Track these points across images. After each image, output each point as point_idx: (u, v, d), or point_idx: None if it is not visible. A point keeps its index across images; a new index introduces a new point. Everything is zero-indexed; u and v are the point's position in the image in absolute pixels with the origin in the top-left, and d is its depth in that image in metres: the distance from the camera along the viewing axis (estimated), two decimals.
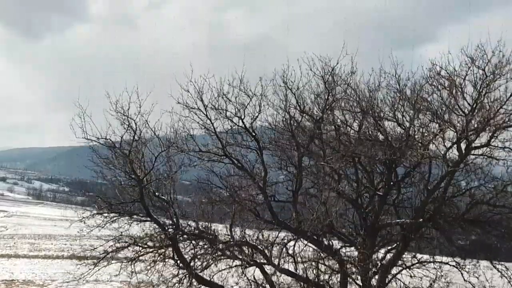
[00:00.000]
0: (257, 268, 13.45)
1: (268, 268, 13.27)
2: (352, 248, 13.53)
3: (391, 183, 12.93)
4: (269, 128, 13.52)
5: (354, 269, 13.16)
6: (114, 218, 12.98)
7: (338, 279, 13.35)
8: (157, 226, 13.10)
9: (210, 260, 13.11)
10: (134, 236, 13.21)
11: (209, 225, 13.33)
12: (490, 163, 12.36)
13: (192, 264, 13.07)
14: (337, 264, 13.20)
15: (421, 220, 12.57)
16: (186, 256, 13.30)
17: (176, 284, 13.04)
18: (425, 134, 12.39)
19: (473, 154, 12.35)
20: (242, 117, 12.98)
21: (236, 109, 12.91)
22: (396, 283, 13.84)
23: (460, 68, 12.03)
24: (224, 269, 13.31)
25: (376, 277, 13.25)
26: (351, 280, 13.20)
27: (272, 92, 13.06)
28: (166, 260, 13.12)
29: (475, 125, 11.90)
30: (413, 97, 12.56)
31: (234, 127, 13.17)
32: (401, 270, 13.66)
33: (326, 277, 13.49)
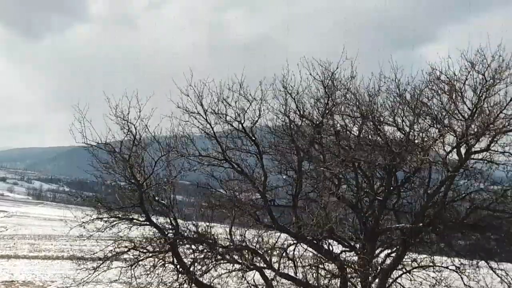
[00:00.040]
0: (257, 272, 13.45)
1: (268, 273, 13.27)
2: (352, 253, 13.53)
3: (391, 187, 12.93)
4: (269, 133, 13.52)
5: (354, 274, 13.16)
6: (114, 223, 12.98)
7: (338, 284, 13.35)
8: (157, 231, 13.10)
9: (210, 265, 13.11)
10: (133, 240, 13.21)
11: (209, 229, 13.32)
12: (490, 168, 12.36)
13: (192, 268, 13.07)
14: (337, 269, 13.19)
15: (421, 224, 12.57)
16: (186, 261, 13.30)
17: None
18: (425, 139, 12.39)
19: (473, 159, 12.36)
20: (242, 122, 12.98)
21: (236, 114, 12.93)
22: (396, 287, 13.84)
23: (460, 73, 12.06)
24: (224, 273, 13.30)
25: (376, 281, 13.26)
26: (351, 284, 13.19)
27: (272, 96, 13.09)
28: (166, 264, 13.11)
29: (475, 130, 11.90)
30: (413, 101, 12.56)
31: (234, 132, 13.15)
32: (401, 274, 13.66)
33: (326, 281, 13.48)
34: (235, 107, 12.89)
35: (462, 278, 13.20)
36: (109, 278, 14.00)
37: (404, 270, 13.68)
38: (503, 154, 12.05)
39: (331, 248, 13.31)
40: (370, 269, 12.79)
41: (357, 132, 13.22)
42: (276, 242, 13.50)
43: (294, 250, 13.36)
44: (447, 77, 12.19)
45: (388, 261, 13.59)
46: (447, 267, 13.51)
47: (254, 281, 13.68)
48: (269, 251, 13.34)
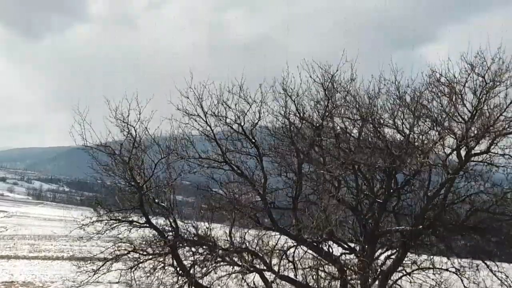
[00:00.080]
0: (257, 275, 13.45)
1: (268, 275, 13.27)
2: (352, 255, 13.53)
3: (391, 190, 12.93)
4: (269, 135, 13.52)
5: (354, 275, 13.17)
6: (114, 225, 12.98)
7: (338, 286, 13.35)
8: (156, 233, 13.10)
9: (210, 267, 13.10)
10: (133, 243, 13.21)
11: (208, 232, 13.32)
12: (490, 170, 12.36)
13: (192, 270, 13.07)
14: (337, 271, 13.19)
15: (420, 227, 12.57)
16: (185, 263, 13.30)
17: None
18: (425, 141, 12.39)
19: (473, 161, 12.36)
20: (242, 124, 12.98)
21: (236, 116, 12.92)
22: None
23: (460, 75, 12.06)
24: (224, 276, 13.30)
25: (376, 283, 13.26)
26: (351, 286, 13.20)
27: (272, 98, 13.09)
28: (166, 267, 13.10)
29: (475, 132, 11.90)
30: (413, 104, 12.56)
31: (234, 134, 13.15)
32: (401, 277, 13.67)
33: (326, 283, 13.49)
34: (235, 109, 12.92)
35: (462, 280, 13.19)
36: (109, 280, 14.00)
37: (404, 272, 13.68)
38: (503, 156, 12.06)
39: (331, 251, 13.31)
40: (370, 272, 12.78)
41: (357, 135, 13.22)
42: (276, 244, 13.50)
43: (294, 252, 13.36)
44: (447, 80, 12.20)
45: (388, 263, 13.58)
46: (447, 269, 13.50)
47: (254, 283, 13.68)
48: (269, 253, 13.34)
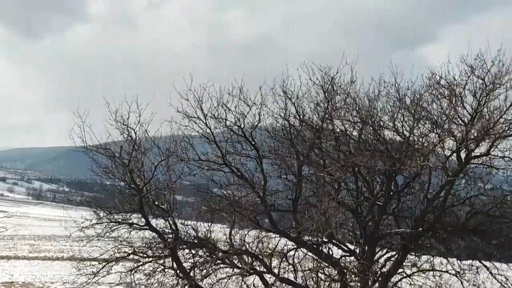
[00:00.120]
0: (257, 277, 13.45)
1: (268, 277, 13.27)
2: (352, 258, 13.52)
3: (391, 192, 12.93)
4: (269, 137, 13.51)
5: (354, 277, 13.16)
6: (114, 228, 12.98)
7: None
8: (156, 235, 13.10)
9: (210, 269, 13.09)
10: (133, 245, 13.21)
11: (208, 234, 13.31)
12: (490, 173, 12.37)
13: (191, 273, 13.06)
14: (337, 274, 13.19)
15: (420, 229, 12.57)
16: (185, 265, 13.29)
17: None
18: (425, 144, 12.39)
19: (473, 163, 12.36)
20: (242, 126, 12.97)
21: (236, 118, 12.92)
22: None
23: (460, 78, 12.07)
24: (223, 278, 13.29)
25: (376, 285, 13.25)
26: None
27: (271, 101, 13.08)
28: (166, 270, 13.10)
29: (475, 135, 11.91)
30: (413, 106, 12.56)
31: (233, 136, 13.15)
32: (401, 279, 13.66)
33: (326, 286, 13.48)
34: (235, 111, 12.90)
35: (462, 282, 13.19)
36: (109, 282, 14.00)
37: (404, 274, 13.67)
38: (503, 158, 12.08)
39: (331, 253, 13.30)
40: (370, 274, 12.78)
41: (357, 137, 13.21)
42: (276, 246, 13.49)
43: (294, 254, 13.35)
44: (447, 82, 12.21)
45: (388, 265, 13.58)
46: (447, 271, 13.49)
47: (254, 285, 13.66)
48: (269, 256, 13.33)
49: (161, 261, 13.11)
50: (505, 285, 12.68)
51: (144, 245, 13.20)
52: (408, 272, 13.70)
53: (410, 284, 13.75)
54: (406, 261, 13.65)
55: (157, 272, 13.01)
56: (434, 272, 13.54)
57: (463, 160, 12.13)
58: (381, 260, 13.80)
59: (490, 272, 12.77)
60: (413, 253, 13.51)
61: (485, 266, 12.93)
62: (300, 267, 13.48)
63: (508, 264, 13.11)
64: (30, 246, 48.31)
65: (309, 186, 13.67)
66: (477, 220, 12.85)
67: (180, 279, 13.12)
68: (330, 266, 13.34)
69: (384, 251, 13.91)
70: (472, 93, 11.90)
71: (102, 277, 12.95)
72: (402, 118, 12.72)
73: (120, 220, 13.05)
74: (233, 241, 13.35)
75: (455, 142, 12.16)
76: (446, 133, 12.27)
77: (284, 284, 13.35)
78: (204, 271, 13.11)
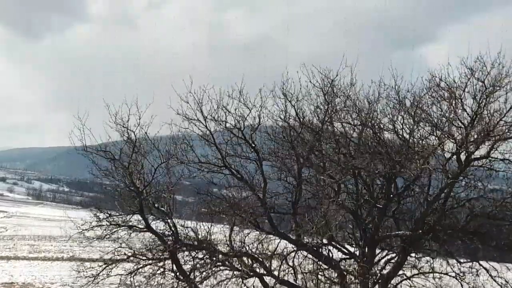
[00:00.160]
0: (257, 279, 13.45)
1: (268, 279, 13.27)
2: (352, 260, 13.52)
3: (391, 195, 12.92)
4: (269, 139, 13.51)
5: (353, 279, 13.16)
6: (114, 230, 12.98)
7: None
8: (156, 238, 13.10)
9: (210, 272, 13.10)
10: (133, 247, 13.21)
11: (208, 236, 13.31)
12: (489, 175, 12.35)
13: (191, 275, 13.06)
14: (337, 276, 13.19)
15: (420, 231, 12.57)
16: (185, 267, 13.29)
17: None
18: (425, 146, 12.39)
19: (473, 166, 12.35)
20: (242, 129, 12.98)
21: (236, 121, 12.93)
22: None
23: (459, 80, 12.07)
24: (223, 280, 13.30)
25: (376, 287, 13.25)
26: None
27: (271, 103, 13.10)
28: (166, 272, 13.10)
29: (475, 137, 11.91)
30: (413, 108, 12.56)
31: (233, 138, 13.15)
32: (401, 281, 13.66)
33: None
34: (235, 114, 12.92)
35: (462, 285, 13.18)
36: (110, 283, 14.00)
37: (404, 276, 13.67)
38: (503, 161, 12.07)
39: (331, 255, 13.30)
40: (370, 276, 12.78)
41: (357, 139, 13.21)
42: (276, 249, 13.49)
43: (294, 257, 13.36)
44: (447, 84, 12.22)
45: (388, 267, 13.58)
46: (447, 274, 13.49)
47: (254, 287, 13.67)
48: (269, 258, 13.33)
49: (161, 264, 13.11)
50: None
51: (144, 247, 13.19)
52: (408, 274, 13.72)
53: (410, 286, 13.77)
54: (406, 263, 13.66)
55: (157, 275, 13.01)
56: (434, 274, 13.55)
57: (463, 163, 12.12)
58: (381, 262, 13.79)
59: (490, 275, 12.76)
60: (413, 255, 13.49)
61: (485, 269, 12.92)
62: (300, 269, 13.49)
63: (507, 264, 13.13)
64: (30, 247, 48.27)
65: (309, 189, 13.67)
66: (477, 222, 12.83)
67: (180, 282, 13.12)
68: (330, 269, 13.34)
69: (384, 253, 13.90)
70: (472, 96, 11.91)
71: (102, 279, 12.95)
72: (402, 121, 12.74)
73: (120, 222, 13.05)
74: (233, 243, 13.35)
75: (455, 145, 12.15)
76: (446, 136, 12.26)
77: (284, 287, 13.36)
78: (204, 273, 13.12)
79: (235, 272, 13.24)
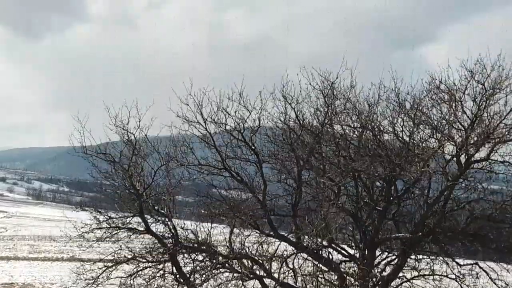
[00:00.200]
0: (256, 281, 13.45)
1: (268, 282, 13.27)
2: (352, 263, 13.52)
3: (391, 197, 12.93)
4: (269, 142, 13.52)
5: (353, 281, 13.15)
6: (114, 233, 12.97)
7: None
8: (156, 240, 13.09)
9: (210, 274, 13.09)
10: (133, 250, 13.20)
11: (208, 238, 13.29)
12: (489, 177, 12.36)
13: (191, 278, 13.05)
14: (337, 278, 13.19)
15: (420, 234, 12.57)
16: (185, 269, 13.28)
17: None
18: (425, 148, 12.39)
19: (473, 168, 12.36)
20: (242, 131, 12.98)
21: (236, 123, 12.94)
22: None
23: (459, 82, 12.08)
24: (223, 283, 13.29)
25: None
26: None
27: (271, 105, 13.11)
28: (166, 275, 13.09)
29: (475, 139, 11.91)
30: (413, 111, 12.56)
31: (233, 141, 13.15)
32: (401, 283, 13.65)
33: None
34: (235, 116, 12.93)
35: (462, 287, 13.18)
36: (110, 283, 14.00)
37: (404, 278, 13.67)
38: (503, 163, 12.08)
39: (331, 258, 13.30)
40: (370, 279, 12.77)
41: (357, 142, 13.21)
42: (276, 251, 13.49)
43: (294, 259, 13.35)
44: (447, 87, 12.23)
45: (388, 270, 13.58)
46: (447, 276, 13.49)
47: None
48: (268, 260, 13.32)
49: (161, 266, 13.10)
50: None
51: (144, 249, 13.19)
52: (408, 276, 13.72)
53: None
54: (406, 265, 13.66)
55: (157, 277, 13.01)
56: (434, 276, 13.55)
57: (463, 165, 12.12)
58: (381, 265, 13.79)
59: (490, 278, 12.76)
60: (413, 257, 13.49)
61: (485, 271, 12.92)
62: (300, 271, 13.48)
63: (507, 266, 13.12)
64: (30, 247, 48.30)
65: (309, 191, 13.67)
66: (477, 224, 12.83)
67: (180, 284, 13.11)
68: (330, 271, 13.34)
69: (384, 255, 13.91)
70: (472, 98, 11.91)
71: (102, 282, 12.94)
72: (402, 123, 12.73)
73: (120, 225, 13.04)
74: (233, 245, 13.35)
75: (455, 147, 12.16)
76: (446, 138, 12.27)
77: None
78: (204, 275, 13.11)
79: (235, 274, 13.24)
